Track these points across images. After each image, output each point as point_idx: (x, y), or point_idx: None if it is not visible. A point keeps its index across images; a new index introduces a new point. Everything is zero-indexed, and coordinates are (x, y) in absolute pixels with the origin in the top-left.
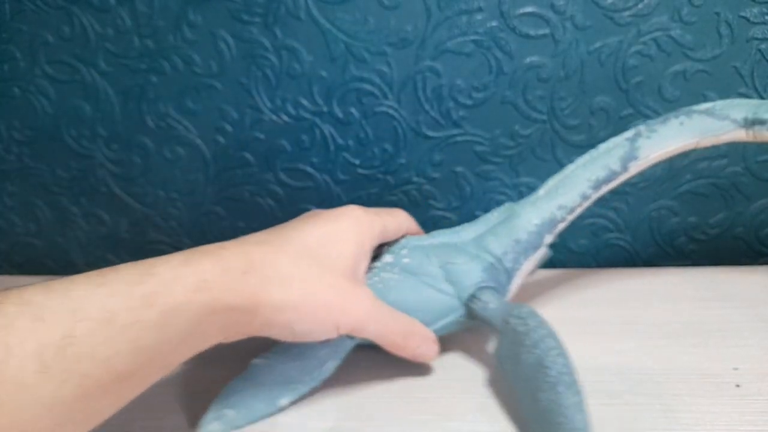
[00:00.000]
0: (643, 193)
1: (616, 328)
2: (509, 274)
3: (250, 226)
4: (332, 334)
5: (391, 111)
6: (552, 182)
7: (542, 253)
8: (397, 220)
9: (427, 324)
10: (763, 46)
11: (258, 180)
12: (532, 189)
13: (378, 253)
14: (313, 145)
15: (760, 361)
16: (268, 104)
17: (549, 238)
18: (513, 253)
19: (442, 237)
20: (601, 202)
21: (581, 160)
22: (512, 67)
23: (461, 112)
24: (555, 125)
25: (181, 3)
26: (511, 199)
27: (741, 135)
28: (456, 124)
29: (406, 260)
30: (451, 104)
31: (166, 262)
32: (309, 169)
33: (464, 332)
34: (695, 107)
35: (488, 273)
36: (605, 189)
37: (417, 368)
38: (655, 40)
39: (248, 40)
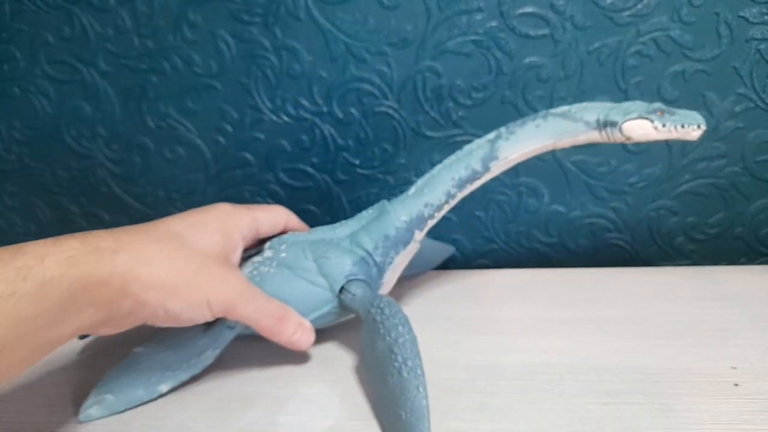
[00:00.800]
0: (643, 193)
1: (616, 328)
2: (380, 268)
3: None
4: (206, 314)
5: (390, 111)
6: (421, 181)
7: (413, 248)
8: (270, 215)
9: (303, 315)
10: (762, 47)
11: (258, 180)
12: (531, 189)
13: (261, 249)
14: (313, 145)
15: (759, 360)
16: (268, 104)
17: (419, 235)
18: (383, 248)
19: (320, 233)
20: (600, 202)
21: (447, 161)
22: (512, 67)
23: (461, 112)
24: None
25: (181, 3)
26: (511, 200)
27: (595, 136)
28: (456, 124)
29: (283, 255)
30: (451, 104)
31: (35, 243)
32: (309, 169)
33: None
34: (552, 110)
35: (358, 266)
36: (470, 188)
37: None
38: (654, 40)
39: (248, 40)
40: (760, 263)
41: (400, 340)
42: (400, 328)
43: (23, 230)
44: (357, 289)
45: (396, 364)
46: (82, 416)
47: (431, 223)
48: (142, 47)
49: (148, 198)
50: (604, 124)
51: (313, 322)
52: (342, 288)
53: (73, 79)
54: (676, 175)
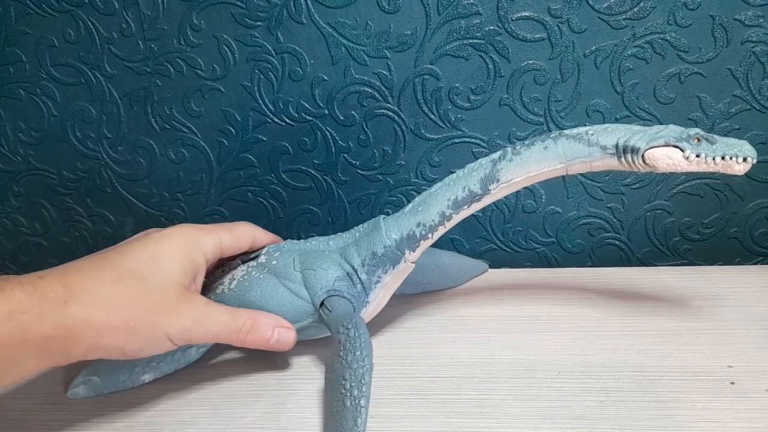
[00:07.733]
0: (639, 193)
1: (612, 326)
2: (365, 286)
3: None
4: (168, 346)
5: (390, 113)
6: (418, 199)
7: (406, 268)
8: (233, 233)
9: None
10: (757, 49)
11: (261, 181)
12: (529, 189)
13: (258, 254)
14: (314, 146)
15: (755, 359)
16: (271, 107)
17: (411, 255)
18: (369, 266)
19: (315, 243)
20: (597, 202)
21: (448, 179)
22: (509, 70)
23: (459, 115)
24: (551, 127)
25: (186, 7)
26: (509, 200)
27: (614, 163)
28: (454, 126)
29: (274, 262)
30: (450, 106)
31: None
32: (311, 171)
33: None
34: (567, 131)
35: (341, 282)
36: (468, 210)
37: (432, 367)
38: (650, 43)
39: (251, 43)
40: (755, 263)
41: (354, 366)
42: (357, 353)
43: (29, 231)
44: (335, 306)
45: (343, 390)
46: (69, 393)
47: (425, 243)
48: (147, 50)
49: (153, 199)
50: (624, 150)
51: None
52: (323, 302)
53: (79, 81)
54: (672, 176)
